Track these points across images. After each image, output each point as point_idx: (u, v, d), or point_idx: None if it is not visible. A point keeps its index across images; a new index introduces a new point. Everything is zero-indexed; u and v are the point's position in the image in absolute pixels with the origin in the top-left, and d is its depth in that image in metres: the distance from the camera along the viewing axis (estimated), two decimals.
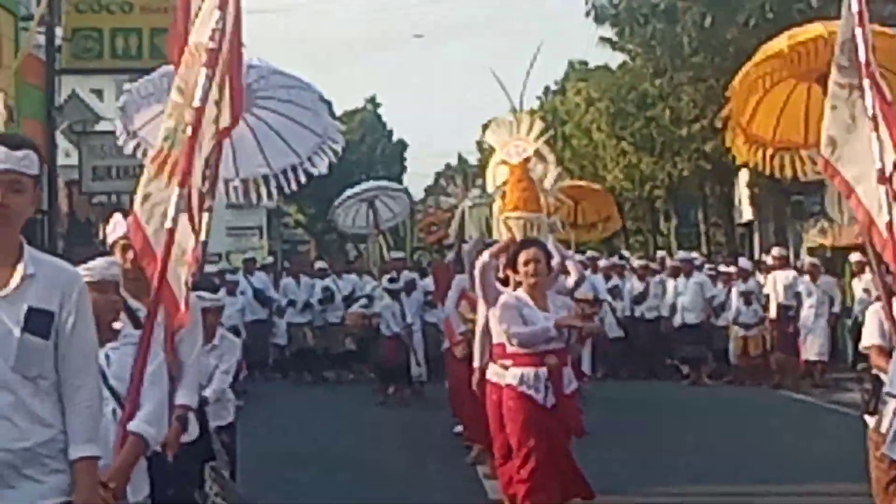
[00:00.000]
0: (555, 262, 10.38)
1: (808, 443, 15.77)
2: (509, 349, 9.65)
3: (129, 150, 10.19)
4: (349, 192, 26.27)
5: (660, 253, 30.24)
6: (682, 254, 27.22)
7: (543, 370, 9.43)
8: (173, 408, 6.95)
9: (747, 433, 16.90)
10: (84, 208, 28.69)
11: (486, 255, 10.46)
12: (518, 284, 9.82)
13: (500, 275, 10.46)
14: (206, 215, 8.25)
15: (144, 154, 9.17)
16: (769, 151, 10.25)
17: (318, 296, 25.62)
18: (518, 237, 10.86)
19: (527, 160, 11.46)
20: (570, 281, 11.39)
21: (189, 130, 6.58)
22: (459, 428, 15.35)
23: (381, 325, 22.05)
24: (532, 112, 12.16)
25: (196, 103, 6.60)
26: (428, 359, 21.70)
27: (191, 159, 6.54)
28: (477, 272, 10.53)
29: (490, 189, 12.03)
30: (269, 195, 10.70)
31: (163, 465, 6.40)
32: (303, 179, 10.35)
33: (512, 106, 12.36)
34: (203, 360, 8.83)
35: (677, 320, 24.39)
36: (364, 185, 27.78)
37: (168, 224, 6.49)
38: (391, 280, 22.38)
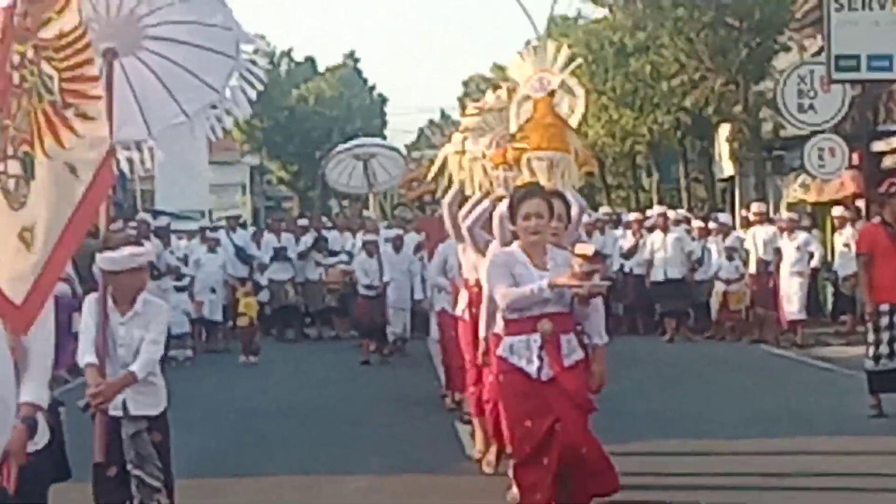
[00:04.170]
0: (574, 211, 9.41)
1: (786, 397, 15.87)
2: (504, 315, 8.35)
3: None
4: (342, 146, 25.90)
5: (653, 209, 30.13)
6: (658, 208, 27.25)
7: (536, 336, 8.06)
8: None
9: (726, 388, 17.03)
10: None
11: (505, 205, 8.96)
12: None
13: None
14: None
15: None
16: None
17: (299, 249, 25.67)
18: (542, 180, 9.45)
19: (552, 93, 10.05)
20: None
21: None
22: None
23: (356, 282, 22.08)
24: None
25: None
26: (413, 314, 21.75)
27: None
28: (495, 224, 9.51)
29: (513, 129, 10.32)
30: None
31: None
32: (228, 125, 8.38)
33: (536, 33, 10.83)
34: (122, 331, 7.68)
35: (658, 275, 24.45)
36: (358, 141, 27.45)
37: None
38: (368, 234, 22.52)
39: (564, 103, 10.26)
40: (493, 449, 10.83)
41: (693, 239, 24.82)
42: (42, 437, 5.82)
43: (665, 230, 24.66)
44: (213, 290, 23.18)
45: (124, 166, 7.86)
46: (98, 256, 7.71)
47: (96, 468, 7.52)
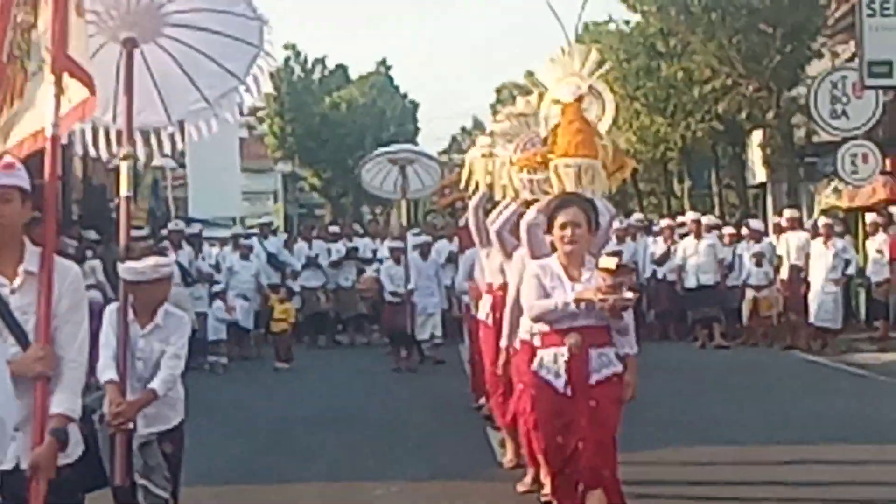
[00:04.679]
0: (604, 221, 9.15)
1: (819, 404, 15.81)
2: (537, 327, 8.15)
3: None
4: (382, 149, 25.85)
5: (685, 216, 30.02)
6: (691, 214, 27.16)
7: (563, 350, 7.86)
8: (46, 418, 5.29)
9: (758, 394, 16.96)
10: (99, 173, 28.82)
11: (532, 212, 9.13)
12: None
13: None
14: (124, 164, 7.59)
15: None
16: None
17: (331, 258, 25.74)
18: (570, 187, 9.19)
19: (580, 98, 9.71)
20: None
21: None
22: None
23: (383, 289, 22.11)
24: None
25: None
26: (444, 321, 21.73)
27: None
28: (523, 232, 9.44)
29: (543, 134, 10.06)
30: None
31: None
32: (244, 109, 8.46)
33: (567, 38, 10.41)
34: (141, 343, 7.42)
35: (691, 281, 24.39)
36: (399, 146, 27.39)
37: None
38: (394, 240, 22.56)
39: (593, 108, 10.01)
40: (530, 472, 10.70)
41: (724, 245, 24.75)
42: (75, 449, 5.58)
43: (698, 236, 24.60)
44: (246, 298, 23.22)
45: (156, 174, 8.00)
46: (120, 266, 7.50)
47: (116, 488, 7.28)
